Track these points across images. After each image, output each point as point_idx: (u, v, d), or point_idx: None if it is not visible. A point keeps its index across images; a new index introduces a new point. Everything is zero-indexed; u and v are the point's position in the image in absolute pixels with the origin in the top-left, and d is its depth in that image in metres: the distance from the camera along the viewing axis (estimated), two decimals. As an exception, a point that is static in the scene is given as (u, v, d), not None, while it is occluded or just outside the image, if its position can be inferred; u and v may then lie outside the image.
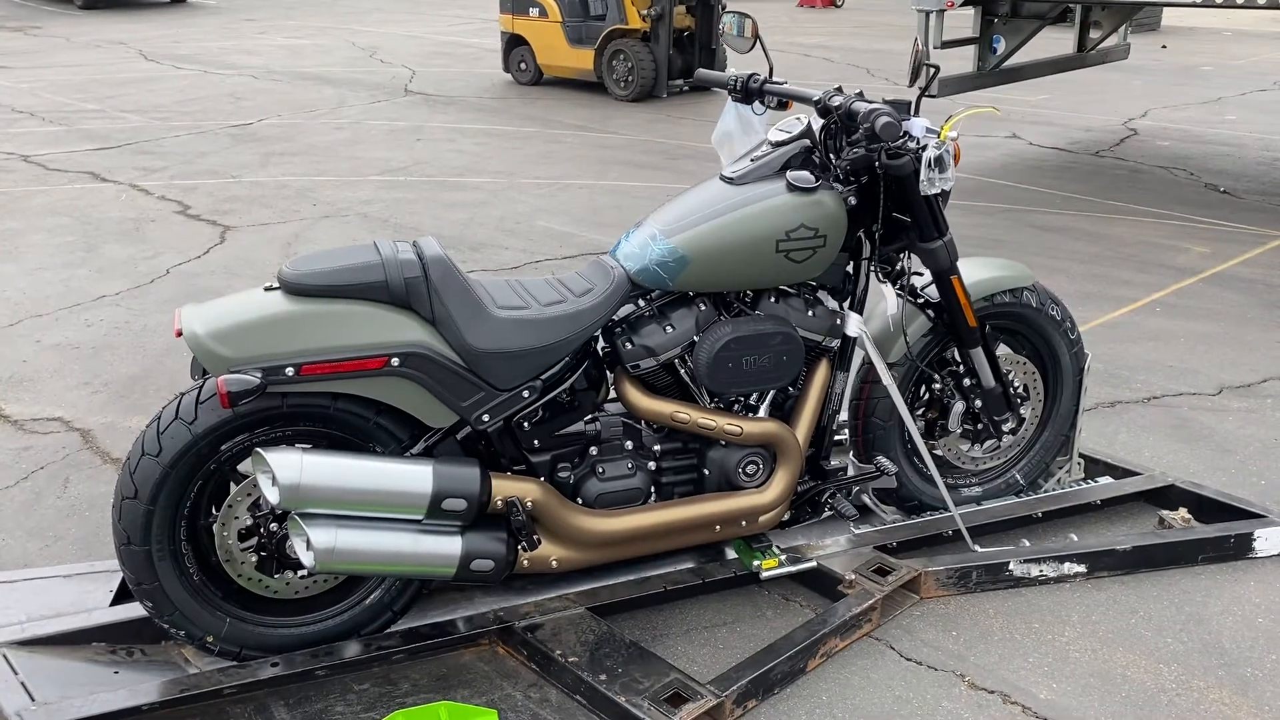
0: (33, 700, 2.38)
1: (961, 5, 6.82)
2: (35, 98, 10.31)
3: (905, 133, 2.66)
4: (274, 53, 13.63)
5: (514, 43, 11.36)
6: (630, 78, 10.49)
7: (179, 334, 2.36)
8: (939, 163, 2.67)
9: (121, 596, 2.73)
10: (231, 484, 2.54)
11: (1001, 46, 7.55)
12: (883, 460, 3.02)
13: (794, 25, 17.12)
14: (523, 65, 11.39)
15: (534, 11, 10.97)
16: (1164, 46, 14.72)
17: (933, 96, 7.01)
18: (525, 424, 2.64)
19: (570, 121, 9.60)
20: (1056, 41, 9.19)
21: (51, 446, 3.75)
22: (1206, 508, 3.25)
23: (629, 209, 6.74)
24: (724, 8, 10.38)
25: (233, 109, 9.90)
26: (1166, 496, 3.34)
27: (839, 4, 20.83)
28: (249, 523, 2.53)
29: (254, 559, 2.55)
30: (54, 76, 11.60)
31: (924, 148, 2.66)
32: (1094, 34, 8.37)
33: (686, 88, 10.86)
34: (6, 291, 5.24)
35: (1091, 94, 11.01)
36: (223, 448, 2.43)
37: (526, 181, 7.47)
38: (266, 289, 2.45)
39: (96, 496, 3.41)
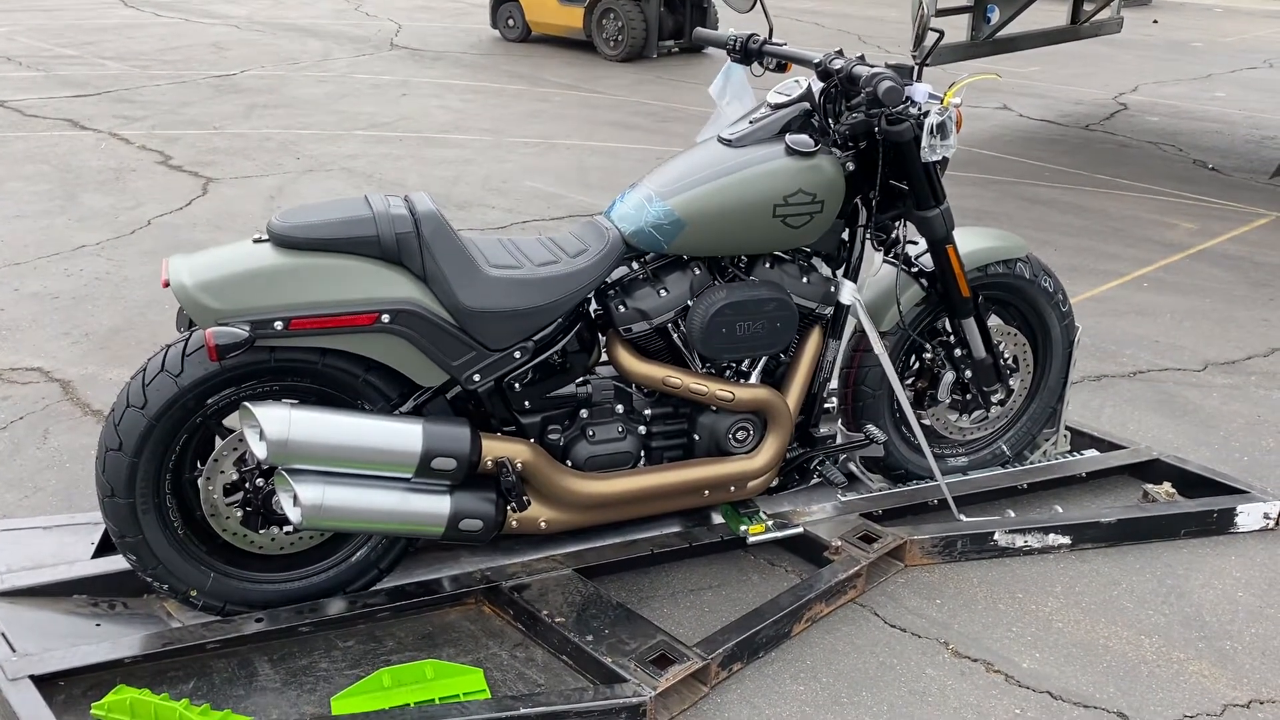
0: (13, 651, 2.35)
1: (957, -27, 6.76)
2: (11, 42, 10.10)
3: (907, 98, 2.63)
4: (257, 2, 13.39)
5: (502, -2, 11.21)
6: (620, 37, 10.37)
7: (166, 284, 2.32)
8: (941, 129, 2.64)
9: (104, 549, 2.70)
10: (217, 438, 2.51)
11: (996, 16, 7.49)
12: (871, 429, 3.02)
13: (785, -11, 16.95)
14: (511, 21, 11.24)
15: (524, -33, 10.81)
16: (1155, 21, 14.69)
17: (926, 64, 6.96)
18: (516, 385, 2.61)
19: (558, 80, 9.49)
20: (1050, 13, 9.14)
21: (31, 397, 3.70)
22: (1190, 482, 3.27)
23: (616, 170, 6.69)
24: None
25: (215, 59, 9.74)
26: (1151, 470, 3.36)
27: (831, -31, 20.61)
28: (234, 477, 2.50)
29: (239, 514, 2.52)
30: (31, 21, 11.36)
31: (926, 114, 2.63)
32: (1088, 6, 8.33)
33: (677, 49, 10.75)
34: (-16, 238, 5.15)
35: (1083, 67, 10.98)
36: (209, 401, 2.39)
37: (513, 140, 7.40)
38: (255, 240, 2.41)
39: (77, 448, 3.37)
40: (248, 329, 2.27)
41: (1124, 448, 3.43)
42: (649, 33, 10.36)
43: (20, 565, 2.67)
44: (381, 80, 9.14)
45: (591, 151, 7.18)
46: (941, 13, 6.87)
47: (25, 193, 5.85)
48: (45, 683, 2.28)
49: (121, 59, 9.54)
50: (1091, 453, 3.42)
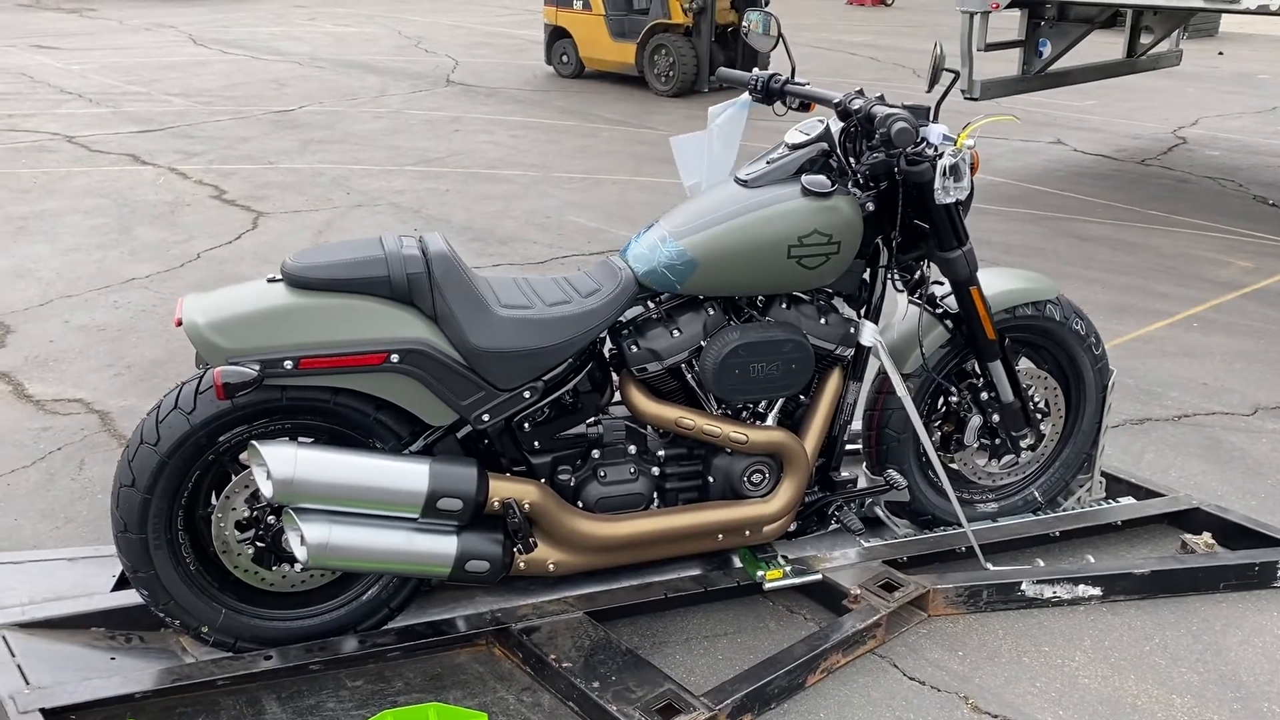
0: (27, 683, 2.39)
1: (1007, 7, 6.68)
2: (83, 79, 10.45)
3: (922, 139, 2.59)
4: (321, 40, 13.73)
5: (557, 35, 11.35)
6: (671, 72, 10.43)
7: (178, 323, 2.36)
8: (954, 171, 2.60)
9: (123, 582, 2.73)
10: (230, 475, 2.53)
11: (1048, 50, 7.40)
12: (893, 473, 2.96)
13: (841, 23, 16.96)
14: (565, 58, 11.37)
15: (577, 4, 10.94)
16: (1220, 53, 14.39)
17: (974, 99, 6.89)
18: (526, 424, 2.61)
19: (609, 115, 9.56)
20: (1107, 46, 9.00)
21: (70, 428, 3.78)
22: (1231, 533, 3.15)
23: (661, 205, 6.66)
24: (765, 3, 10.26)
25: (275, 95, 9.97)
26: (1191, 520, 3.23)
27: (889, 3, 20.59)
28: (247, 514, 2.52)
29: (251, 551, 2.54)
30: (103, 58, 11.76)
31: (940, 155, 2.59)
32: (1145, 39, 8.17)
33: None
34: (40, 271, 5.30)
35: (1141, 100, 10.78)
36: (221, 439, 2.42)
37: (560, 175, 7.45)
38: (269, 280, 2.44)
39: (109, 479, 3.38)
40: (257, 368, 2.29)
41: (1162, 495, 3.31)
42: (700, 68, 10.40)
43: (42, 596, 2.71)
44: (435, 116, 9.28)
45: (637, 187, 7.20)
46: (991, 46, 6.81)
47: (83, 226, 6.02)
48: (56, 716, 2.30)
49: (186, 95, 9.82)
50: (1128, 500, 3.31)
